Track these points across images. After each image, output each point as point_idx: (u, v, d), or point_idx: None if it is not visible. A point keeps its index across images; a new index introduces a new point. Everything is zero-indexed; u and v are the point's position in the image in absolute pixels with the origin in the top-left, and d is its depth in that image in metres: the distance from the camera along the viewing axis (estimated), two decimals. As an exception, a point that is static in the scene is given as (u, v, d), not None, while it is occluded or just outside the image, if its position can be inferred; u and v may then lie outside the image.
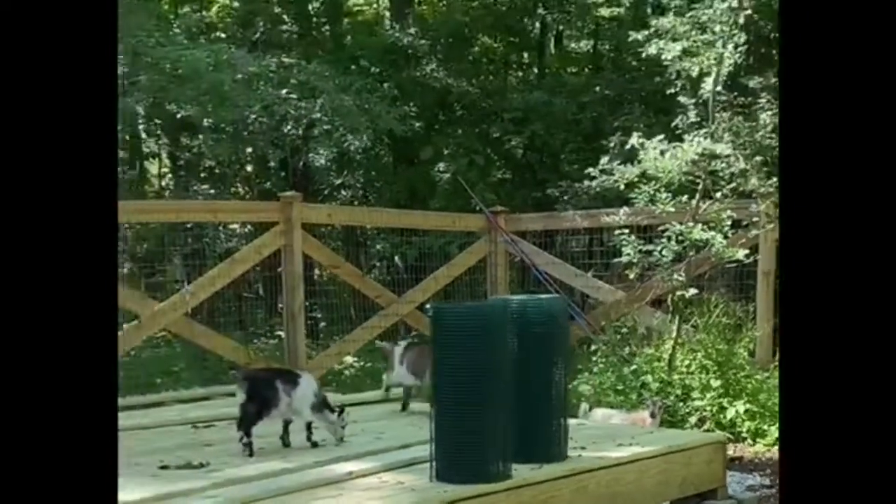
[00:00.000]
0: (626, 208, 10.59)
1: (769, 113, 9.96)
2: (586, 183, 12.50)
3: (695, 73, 10.44)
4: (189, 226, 13.12)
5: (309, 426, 6.85)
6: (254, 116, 14.95)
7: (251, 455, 6.57)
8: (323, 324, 13.24)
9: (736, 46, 10.45)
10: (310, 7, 19.38)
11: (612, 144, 13.28)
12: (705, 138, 9.86)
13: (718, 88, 10.33)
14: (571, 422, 6.71)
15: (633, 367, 10.02)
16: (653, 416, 8.60)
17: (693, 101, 10.51)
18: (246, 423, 6.63)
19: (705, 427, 9.20)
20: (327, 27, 19.42)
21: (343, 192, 18.32)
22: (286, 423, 6.86)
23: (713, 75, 10.30)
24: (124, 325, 10.81)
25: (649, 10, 16.42)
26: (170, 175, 19.82)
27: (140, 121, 17.52)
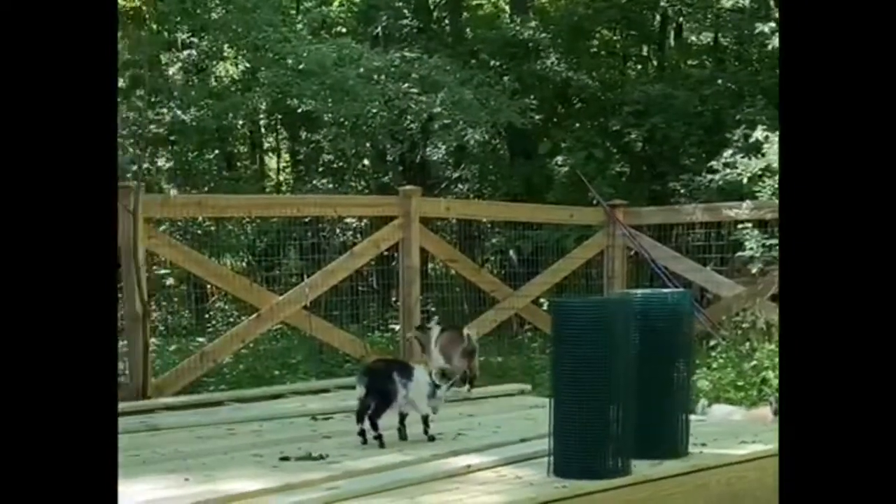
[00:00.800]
0: (748, 202, 10.43)
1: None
2: (707, 176, 12.33)
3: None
4: (307, 220, 13.24)
5: (426, 419, 6.85)
6: (374, 111, 15.01)
7: (382, 446, 6.61)
8: (437, 317, 13.26)
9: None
10: (430, 1, 19.43)
11: (734, 137, 13.07)
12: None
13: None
14: (691, 418, 6.61)
15: (754, 362, 9.85)
16: (775, 413, 8.42)
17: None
18: (372, 416, 6.66)
19: (828, 425, 9.00)
20: (447, 21, 19.45)
21: (459, 186, 18.33)
22: (403, 416, 6.87)
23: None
24: (243, 318, 10.98)
25: (772, 2, 16.13)
26: (288, 169, 20.01)
27: (261, 116, 17.74)
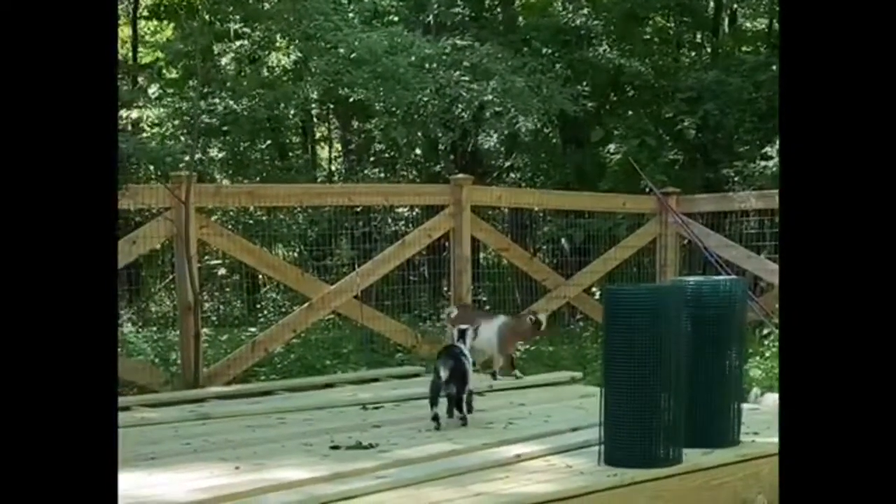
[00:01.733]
0: (803, 189, 10.32)
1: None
2: (761, 163, 12.17)
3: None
4: (359, 209, 13.24)
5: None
6: (426, 99, 14.97)
7: (465, 424, 6.89)
8: (488, 307, 13.23)
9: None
10: (482, -12, 19.33)
11: (789, 124, 12.85)
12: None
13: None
14: (743, 407, 6.55)
15: (808, 352, 9.73)
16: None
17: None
18: (456, 396, 6.91)
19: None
20: (499, 9, 19.36)
21: (511, 175, 18.27)
22: (451, 398, 6.96)
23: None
24: (294, 308, 11.00)
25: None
26: (340, 159, 20.03)
27: (313, 105, 17.75)
